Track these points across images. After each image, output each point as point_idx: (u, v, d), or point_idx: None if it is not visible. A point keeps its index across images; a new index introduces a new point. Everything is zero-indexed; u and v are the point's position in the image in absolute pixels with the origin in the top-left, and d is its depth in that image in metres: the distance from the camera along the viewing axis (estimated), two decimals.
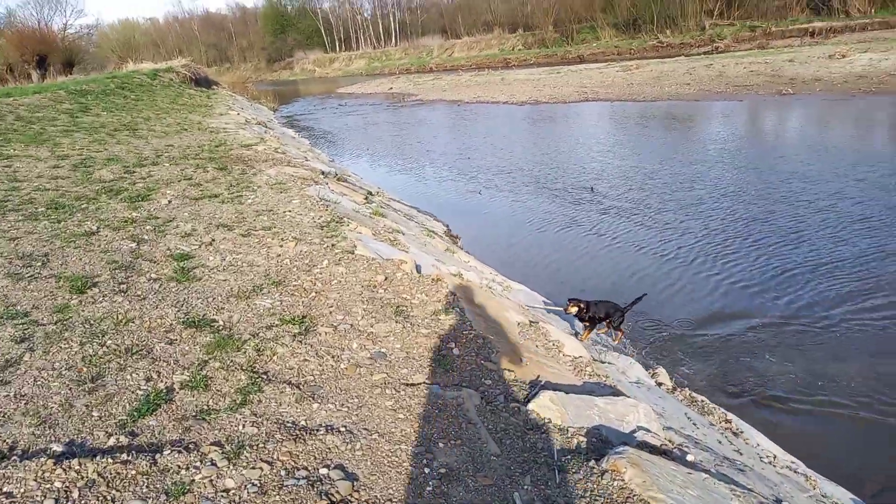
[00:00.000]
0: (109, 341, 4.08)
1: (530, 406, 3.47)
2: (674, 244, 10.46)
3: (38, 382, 3.54)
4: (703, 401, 5.80)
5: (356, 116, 34.61)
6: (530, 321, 5.63)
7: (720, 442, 4.46)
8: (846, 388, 6.29)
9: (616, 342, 6.52)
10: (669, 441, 3.64)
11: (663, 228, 11.29)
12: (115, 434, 3.11)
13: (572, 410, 3.56)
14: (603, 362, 5.38)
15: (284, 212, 8.08)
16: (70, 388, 3.50)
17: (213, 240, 6.66)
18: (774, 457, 4.90)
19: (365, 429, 3.18)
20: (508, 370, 4.00)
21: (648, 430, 3.62)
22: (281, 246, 6.50)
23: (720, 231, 10.87)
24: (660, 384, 5.99)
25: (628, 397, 3.88)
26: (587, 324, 6.03)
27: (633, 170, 15.77)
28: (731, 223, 11.21)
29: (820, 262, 9.19)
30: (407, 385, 3.65)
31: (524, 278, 9.08)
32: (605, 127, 22.77)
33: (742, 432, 5.24)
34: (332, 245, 6.64)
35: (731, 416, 5.60)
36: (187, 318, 4.49)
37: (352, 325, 4.50)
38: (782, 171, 14.31)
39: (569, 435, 3.31)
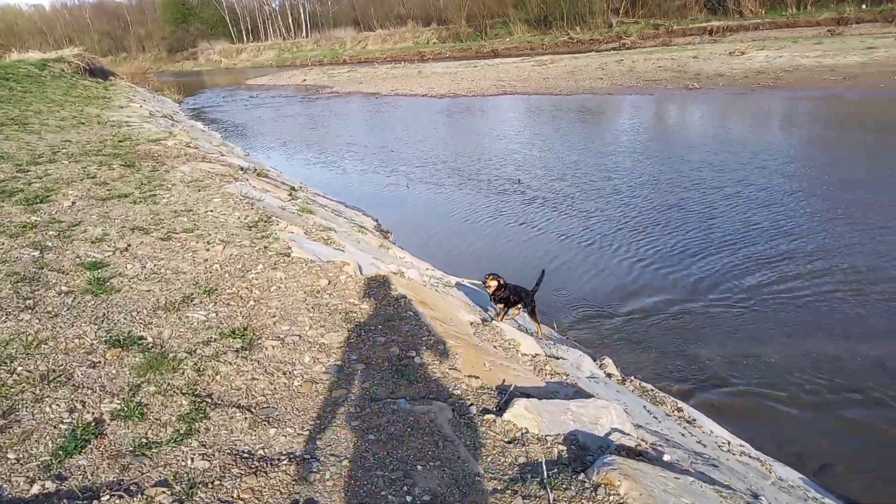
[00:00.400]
0: (20, 367, 3.54)
1: (506, 416, 3.27)
2: (596, 231, 10.72)
3: None
4: (652, 390, 5.84)
5: (269, 109, 33.36)
6: (482, 319, 5.45)
7: (682, 434, 4.45)
8: (773, 366, 6.54)
9: (537, 331, 6.25)
10: (643, 441, 3.56)
11: (586, 217, 11.51)
12: (40, 479, 2.65)
13: (547, 417, 3.40)
14: (557, 358, 5.27)
15: (206, 212, 7.51)
16: None
17: (129, 245, 6.05)
18: (728, 443, 4.97)
19: (332, 454, 2.87)
20: (474, 377, 3.79)
21: (623, 432, 3.52)
22: (207, 250, 5.99)
23: (639, 218, 11.27)
24: (609, 375, 5.98)
25: (598, 398, 3.76)
26: (501, 306, 5.75)
27: (553, 161, 16.00)
28: (648, 210, 11.65)
29: (733, 244, 9.71)
30: (371, 400, 3.36)
31: (458, 272, 8.93)
32: (525, 120, 23.01)
33: (695, 420, 5.30)
34: (265, 247, 6.19)
35: (680, 403, 5.66)
36: (110, 337, 3.99)
37: (300, 337, 4.15)
38: (692, 160, 14.94)
39: (548, 444, 3.14)
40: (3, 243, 5.83)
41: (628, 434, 3.54)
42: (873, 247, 9.12)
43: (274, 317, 4.48)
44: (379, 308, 4.73)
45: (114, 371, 3.59)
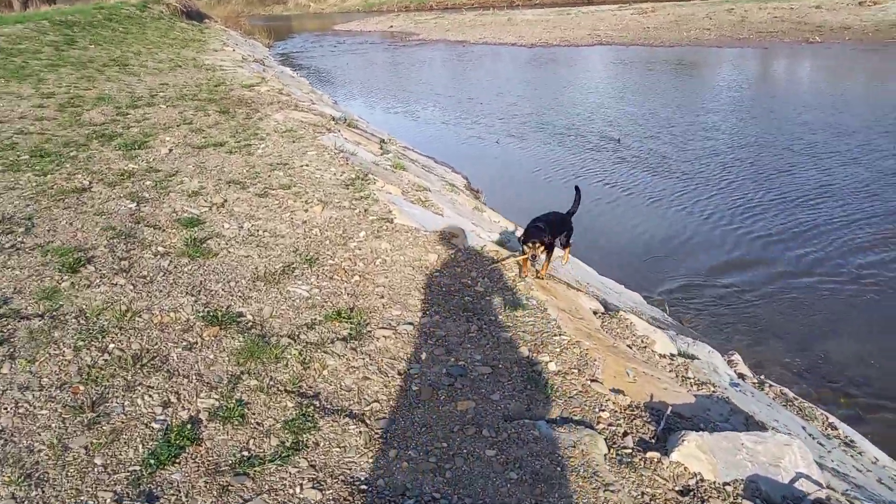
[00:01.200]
0: (112, 345, 3.20)
1: (674, 457, 2.65)
2: (696, 197, 9.70)
3: (21, 410, 2.67)
4: (796, 399, 5.04)
5: (356, 56, 32.88)
6: (605, 308, 4.78)
7: (858, 470, 3.69)
8: None
9: (565, 262, 5.64)
10: (832, 489, 2.85)
11: (687, 179, 10.46)
12: (128, 497, 2.26)
13: (721, 457, 2.75)
14: (691, 357, 4.56)
15: (301, 166, 7.09)
16: (64, 420, 2.64)
17: (226, 200, 5.71)
18: None
19: (467, 496, 2.34)
20: (619, 391, 3.17)
21: (810, 479, 2.82)
22: (306, 210, 5.56)
23: (749, 183, 10.19)
24: (742, 376, 5.21)
25: (778, 433, 3.07)
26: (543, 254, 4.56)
27: (651, 119, 14.72)
28: (752, 175, 10.51)
29: (852, 217, 8.59)
30: (505, 419, 2.80)
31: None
32: (622, 73, 21.47)
33: (853, 442, 4.49)
34: (365, 210, 5.70)
35: (831, 418, 4.84)
36: (207, 312, 3.60)
37: (413, 325, 3.63)
38: (808, 121, 13.44)
39: (729, 497, 2.50)
40: (101, 192, 5.60)
41: (817, 481, 2.85)
42: None
43: (382, 297, 3.98)
44: (496, 293, 4.15)
45: (211, 356, 3.19)
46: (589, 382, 3.16)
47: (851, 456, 4.01)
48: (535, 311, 3.89)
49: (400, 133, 14.48)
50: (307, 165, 7.12)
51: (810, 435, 3.99)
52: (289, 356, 3.22)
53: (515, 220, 8.82)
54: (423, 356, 3.30)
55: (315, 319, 3.64)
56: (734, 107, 15.45)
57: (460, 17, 46.82)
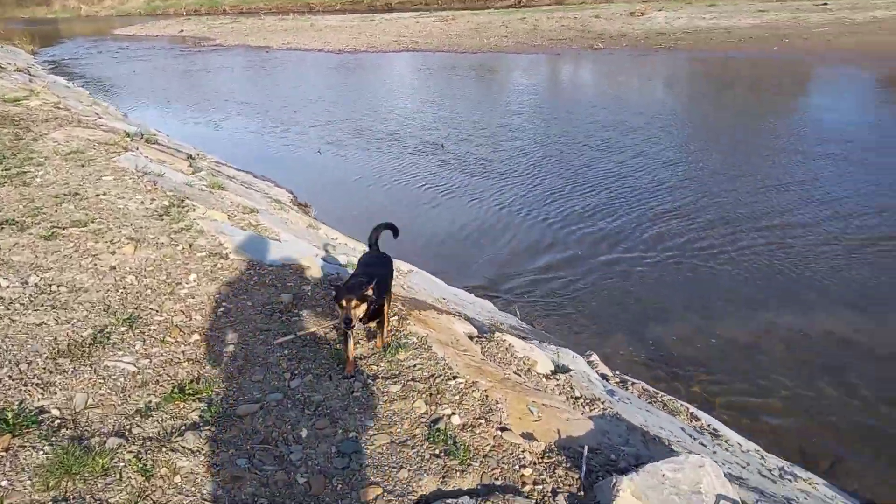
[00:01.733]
0: None
1: None
2: (516, 194, 10.08)
3: None
4: (658, 394, 5.14)
5: (143, 62, 29.76)
6: (479, 332, 4.46)
7: (743, 466, 3.74)
8: (732, 345, 6.11)
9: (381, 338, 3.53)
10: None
11: (501, 178, 10.87)
12: None
13: (653, 497, 2.52)
14: (566, 370, 4.40)
15: (98, 195, 5.92)
16: None
17: None
18: (763, 457, 4.36)
19: None
20: (529, 435, 2.82)
21: (728, 498, 2.71)
22: (113, 253, 4.53)
23: (558, 178, 10.78)
24: (604, 376, 5.22)
25: (690, 454, 2.92)
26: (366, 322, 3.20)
27: (465, 122, 15.07)
28: (562, 170, 11.17)
29: (650, 204, 9.41)
30: None
31: (388, 247, 7.98)
32: (431, 79, 21.78)
33: (717, 431, 4.64)
34: (190, 245, 4.81)
35: (692, 408, 5.00)
36: None
37: (283, 393, 2.96)
38: (601, 121, 14.67)
39: None
40: None
41: (734, 500, 2.74)
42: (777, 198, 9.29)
43: (234, 358, 3.24)
44: (372, 334, 3.61)
45: (4, 482, 2.28)
46: (499, 433, 2.77)
47: (726, 450, 4.09)
48: (418, 350, 3.41)
49: (208, 147, 13.12)
50: (105, 194, 5.96)
51: (689, 435, 4.00)
52: (121, 464, 2.41)
53: (350, 233, 8.31)
54: (304, 433, 2.67)
55: (150, 403, 2.82)
56: (536, 109, 16.38)
57: (259, 21, 44.68)
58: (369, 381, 3.08)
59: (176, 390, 2.89)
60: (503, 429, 2.81)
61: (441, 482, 2.43)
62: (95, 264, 4.31)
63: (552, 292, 7.22)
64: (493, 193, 10.11)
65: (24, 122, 8.94)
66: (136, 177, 6.80)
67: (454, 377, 3.12)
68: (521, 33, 29.45)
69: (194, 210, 5.88)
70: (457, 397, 2.97)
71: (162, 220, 5.40)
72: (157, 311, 3.70)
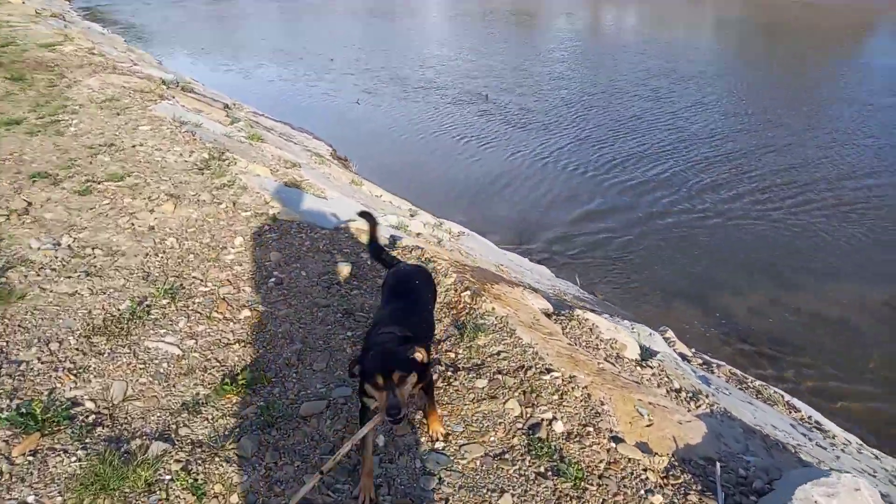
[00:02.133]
0: None
1: None
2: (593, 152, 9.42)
3: None
4: (747, 379, 4.63)
5: (175, 9, 29.05)
6: (556, 309, 3.96)
7: (873, 475, 3.23)
8: (818, 319, 5.51)
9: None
10: None
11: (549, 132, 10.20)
12: None
13: None
14: (652, 354, 3.89)
15: (135, 146, 5.49)
16: None
17: (30, 204, 4.09)
18: (878, 458, 3.84)
19: None
20: (646, 447, 2.35)
21: None
22: (152, 211, 4.11)
23: (605, 130, 10.17)
24: (684, 356, 4.71)
25: (843, 474, 2.41)
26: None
27: (504, 70, 14.26)
28: (612, 122, 10.49)
29: (707, 158, 8.80)
30: None
31: (432, 203, 7.48)
32: (466, 25, 20.75)
33: (821, 425, 4.12)
34: (234, 203, 4.37)
35: (788, 397, 4.47)
36: (15, 408, 2.24)
37: (353, 391, 2.52)
38: (650, 69, 13.83)
39: None
40: None
41: None
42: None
43: (291, 340, 2.81)
44: (445, 313, 3.13)
45: (30, 498, 1.89)
46: (613, 445, 2.30)
47: (846, 452, 3.58)
48: (500, 334, 2.93)
49: (243, 96, 12.60)
50: (142, 145, 5.53)
51: (804, 435, 3.49)
52: (168, 477, 2.00)
53: (393, 189, 7.83)
54: (381, 440, 2.23)
55: (199, 395, 2.41)
56: (579, 56, 15.53)
57: None
58: (449, 372, 2.61)
59: (227, 380, 2.47)
60: (616, 439, 2.34)
61: None
62: (133, 224, 3.90)
63: (607, 256, 6.73)
64: (538, 146, 9.54)
65: (59, 69, 8.52)
66: (174, 127, 6.35)
67: (548, 370, 2.64)
68: None
69: (235, 163, 5.42)
70: (555, 396, 2.49)
71: (202, 174, 4.97)
72: (202, 281, 3.28)
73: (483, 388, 2.51)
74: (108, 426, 2.23)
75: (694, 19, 19.22)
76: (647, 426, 2.51)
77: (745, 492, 2.24)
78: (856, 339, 5.39)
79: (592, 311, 4.49)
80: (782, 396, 4.46)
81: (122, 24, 24.36)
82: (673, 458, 2.35)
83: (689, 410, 3.02)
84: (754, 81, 12.68)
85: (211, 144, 5.89)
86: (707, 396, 3.30)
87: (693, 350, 5.00)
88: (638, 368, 3.37)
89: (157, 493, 1.95)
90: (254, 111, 11.40)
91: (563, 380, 2.59)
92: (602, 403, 2.50)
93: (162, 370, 2.55)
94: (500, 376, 2.58)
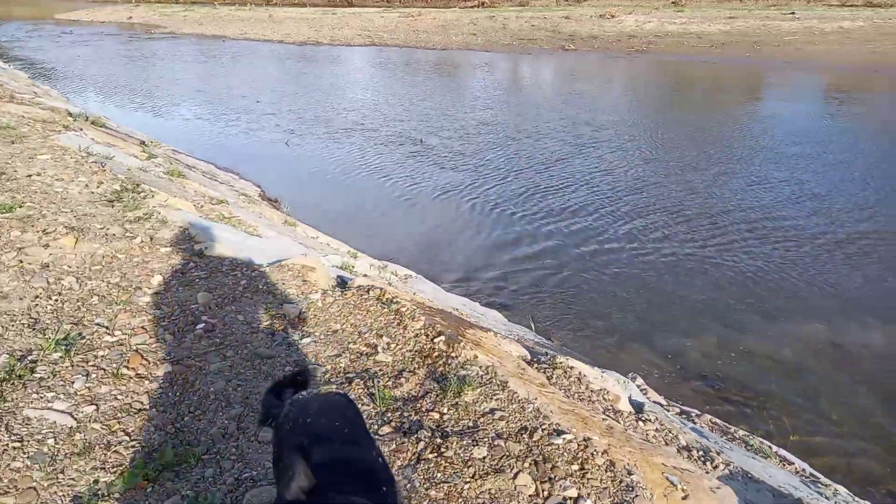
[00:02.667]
0: None
1: None
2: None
3: None
4: (731, 429, 4.27)
5: (89, 48, 27.69)
6: (530, 353, 3.48)
7: None
8: (767, 359, 5.31)
9: None
10: None
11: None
12: None
13: None
14: (639, 408, 3.46)
15: (30, 176, 4.72)
16: None
17: None
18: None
19: None
20: None
21: None
22: (46, 246, 3.38)
23: (533, 172, 10.03)
24: (658, 404, 4.31)
25: None
26: None
27: (435, 115, 14.16)
28: (538, 165, 10.42)
29: (632, 201, 8.71)
30: None
31: (371, 249, 7.00)
32: (399, 74, 20.69)
33: (818, 479, 3.77)
34: (151, 238, 3.69)
35: (775, 448, 4.13)
36: None
37: None
38: (573, 118, 14.04)
39: None
40: None
41: None
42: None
43: (232, 407, 2.17)
44: (416, 364, 2.58)
45: None
46: None
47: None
48: (490, 387, 2.41)
49: (163, 136, 11.75)
50: (39, 175, 4.75)
51: (820, 495, 3.11)
52: None
53: (331, 233, 7.28)
54: None
55: (97, 483, 1.74)
56: (503, 104, 15.67)
57: (213, 10, 42.64)
58: (438, 439, 2.05)
59: (139, 460, 1.81)
60: None
61: None
62: (21, 261, 3.15)
63: (554, 298, 6.35)
64: (469, 187, 9.28)
65: None
66: (80, 157, 5.60)
67: (558, 431, 2.13)
68: (490, 31, 28.70)
69: (153, 196, 4.73)
70: (574, 466, 1.98)
71: (112, 206, 4.25)
72: (108, 329, 2.59)
73: (483, 458, 1.96)
74: None
75: (606, 74, 20.09)
76: (684, 499, 2.03)
77: None
78: (813, 384, 5.17)
79: (539, 352, 4.05)
80: (770, 447, 4.12)
81: (26, 60, 22.90)
82: None
83: (707, 472, 2.58)
84: (669, 130, 13.18)
85: (123, 177, 5.17)
86: (718, 454, 2.88)
87: (665, 399, 4.63)
88: (640, 424, 2.92)
89: None
90: (173, 149, 10.61)
91: (577, 444, 2.09)
92: (629, 473, 2.00)
93: (46, 449, 1.86)
94: (501, 442, 2.04)
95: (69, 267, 3.14)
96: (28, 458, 1.82)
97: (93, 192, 4.55)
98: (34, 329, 2.53)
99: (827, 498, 3.05)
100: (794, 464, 3.87)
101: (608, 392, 3.14)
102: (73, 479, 1.78)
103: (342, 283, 3.49)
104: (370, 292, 3.20)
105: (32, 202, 4.07)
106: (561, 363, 3.25)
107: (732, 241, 7.32)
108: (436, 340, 2.75)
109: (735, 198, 8.67)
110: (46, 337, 2.45)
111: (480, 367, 2.57)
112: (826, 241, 7.22)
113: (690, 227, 7.73)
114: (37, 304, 2.74)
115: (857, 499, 3.35)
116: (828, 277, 6.48)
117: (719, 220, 7.90)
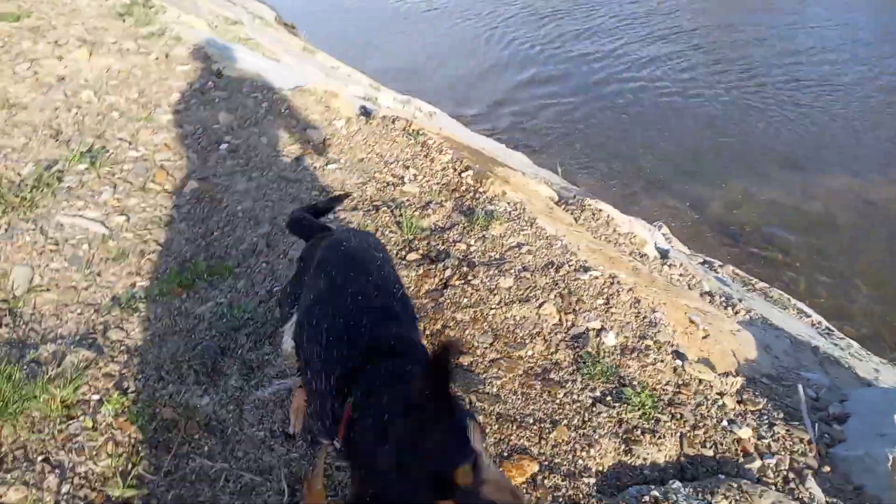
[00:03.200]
0: None
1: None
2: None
3: None
4: (752, 280, 4.29)
5: None
6: (558, 195, 3.44)
7: None
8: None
9: None
10: None
11: None
12: None
13: None
14: (664, 253, 3.48)
15: None
16: None
17: None
18: None
19: None
20: (708, 363, 1.92)
21: None
22: (60, 58, 3.24)
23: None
24: (690, 255, 4.34)
25: None
26: None
27: None
28: None
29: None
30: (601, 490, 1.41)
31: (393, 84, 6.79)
32: None
33: (833, 333, 3.86)
34: (166, 55, 3.53)
35: (794, 301, 4.17)
36: None
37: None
38: None
39: None
40: None
41: None
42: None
43: (258, 225, 2.18)
44: (449, 198, 2.55)
45: None
46: (678, 363, 1.85)
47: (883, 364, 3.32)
48: (518, 223, 2.39)
49: None
50: None
51: (836, 346, 3.19)
52: (94, 397, 1.42)
53: (353, 63, 6.97)
54: None
55: (133, 287, 1.79)
56: None
57: None
58: (465, 267, 2.07)
59: (174, 270, 1.85)
60: (679, 355, 1.88)
61: (624, 451, 1.53)
62: (36, 72, 3.04)
63: (582, 143, 6.17)
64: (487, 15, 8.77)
65: None
66: None
67: (585, 268, 2.14)
68: None
69: (165, 12, 4.46)
70: (599, 301, 2.00)
71: (123, 20, 4.03)
72: (131, 144, 2.54)
73: (510, 288, 1.99)
74: (6, 325, 1.60)
75: None
76: (704, 338, 2.08)
77: (824, 418, 1.86)
78: (839, 240, 5.13)
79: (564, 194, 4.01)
80: (789, 299, 4.17)
81: None
82: (739, 374, 1.93)
83: (728, 317, 2.63)
84: None
85: None
86: (740, 301, 2.92)
87: (689, 249, 4.63)
88: (666, 268, 2.94)
89: (80, 418, 1.37)
90: None
91: (603, 280, 2.10)
92: (653, 310, 2.03)
93: (82, 254, 1.90)
94: (527, 274, 2.06)
95: (86, 80, 3.03)
96: (65, 260, 1.86)
97: (101, 5, 4.29)
98: (57, 140, 2.49)
99: (842, 349, 3.14)
100: (811, 317, 3.94)
101: (635, 236, 3.13)
102: (109, 281, 1.83)
103: (366, 113, 3.37)
104: (396, 122, 3.10)
105: (40, 11, 3.85)
106: (589, 205, 3.21)
107: (764, 84, 6.86)
108: (464, 175, 2.70)
109: (773, 39, 7.99)
110: (70, 148, 2.41)
111: (509, 202, 2.53)
112: (865, 91, 6.72)
113: (714, 60, 7.26)
114: (57, 117, 2.67)
115: (869, 353, 3.42)
116: (866, 128, 6.13)
117: (755, 63, 7.36)
